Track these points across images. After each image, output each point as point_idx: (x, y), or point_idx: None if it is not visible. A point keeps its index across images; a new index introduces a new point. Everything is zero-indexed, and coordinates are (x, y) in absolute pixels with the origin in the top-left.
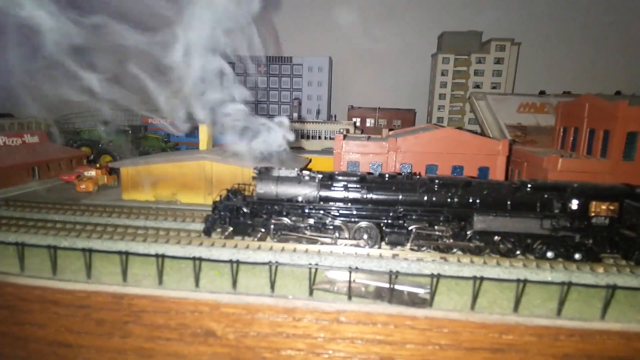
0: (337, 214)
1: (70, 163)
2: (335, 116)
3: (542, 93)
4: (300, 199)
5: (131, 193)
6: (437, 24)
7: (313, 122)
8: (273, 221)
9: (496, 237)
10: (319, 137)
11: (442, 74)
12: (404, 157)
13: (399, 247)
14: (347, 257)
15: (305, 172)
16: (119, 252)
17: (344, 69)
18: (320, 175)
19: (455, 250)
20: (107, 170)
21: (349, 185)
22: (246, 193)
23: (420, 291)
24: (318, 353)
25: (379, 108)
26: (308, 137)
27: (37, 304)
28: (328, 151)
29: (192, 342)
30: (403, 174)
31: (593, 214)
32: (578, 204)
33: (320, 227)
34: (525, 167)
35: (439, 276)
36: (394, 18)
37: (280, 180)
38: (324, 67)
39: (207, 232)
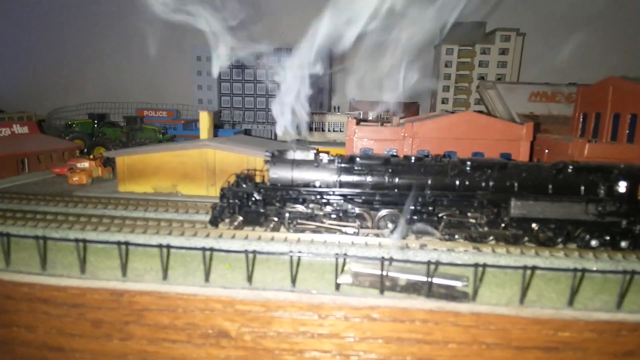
0: (360, 200)
1: (62, 155)
2: (338, 108)
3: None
4: (318, 184)
5: (128, 185)
6: (439, 14)
7: (316, 114)
8: (288, 209)
9: (534, 224)
10: (322, 130)
11: (446, 65)
12: (420, 143)
13: (428, 237)
14: (371, 248)
15: (324, 155)
16: (118, 243)
17: (345, 61)
18: (340, 159)
19: (489, 239)
20: (102, 161)
21: (372, 169)
22: (257, 180)
23: (458, 284)
24: (347, 355)
25: (381, 101)
26: (311, 129)
27: (25, 303)
28: (333, 143)
29: (202, 345)
30: (430, 156)
31: None
32: (626, 186)
33: (341, 216)
34: (546, 154)
35: (484, 266)
36: (395, 8)
37: (296, 164)
38: (324, 58)
39: (214, 222)
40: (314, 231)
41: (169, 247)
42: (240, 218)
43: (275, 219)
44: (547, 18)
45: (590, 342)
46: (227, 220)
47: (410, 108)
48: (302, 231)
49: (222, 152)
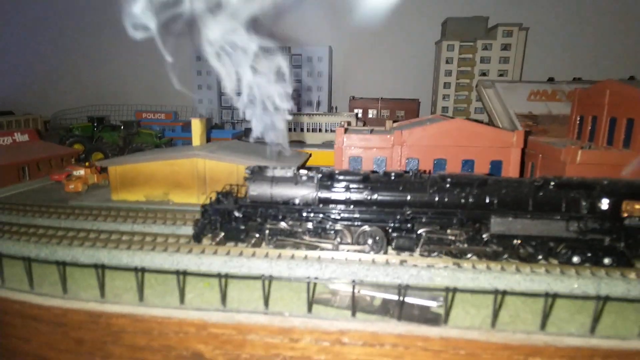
0: (339, 217)
1: (61, 161)
2: (336, 108)
3: (550, 80)
4: (297, 201)
5: (121, 193)
6: (440, 10)
7: (313, 115)
8: (268, 226)
9: (515, 241)
10: (320, 130)
11: (447, 62)
12: (410, 151)
13: (407, 253)
14: (351, 264)
15: (303, 172)
16: (95, 266)
17: (345, 58)
18: (319, 175)
19: (469, 255)
20: (98, 168)
21: (351, 185)
22: (240, 195)
23: (432, 304)
24: None
25: (381, 98)
26: (308, 130)
27: (18, 319)
28: (329, 144)
29: None
30: (411, 172)
31: (626, 214)
32: (609, 204)
33: (320, 232)
34: (539, 159)
35: (454, 290)
36: (395, 4)
37: (275, 180)
38: (324, 57)
39: (197, 237)
40: (294, 247)
41: (143, 270)
42: (222, 234)
43: (257, 235)
44: (551, 12)
45: None
46: (209, 235)
47: (411, 105)
48: (283, 247)
49: (212, 161)
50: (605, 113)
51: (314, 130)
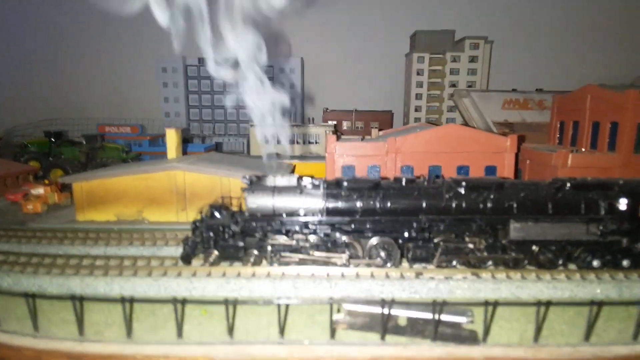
0: (348, 229)
1: (17, 180)
2: (313, 119)
3: (514, 91)
4: (302, 212)
5: (87, 213)
6: (408, 23)
7: (290, 126)
8: (270, 241)
9: (534, 247)
10: (297, 142)
11: (418, 74)
12: (404, 158)
13: (422, 265)
14: (363, 280)
15: (307, 180)
16: (72, 298)
17: (317, 70)
18: (325, 184)
19: (488, 264)
20: (59, 186)
21: (361, 193)
22: (233, 208)
23: (462, 320)
24: None
25: (355, 110)
26: (292, 142)
27: None
28: (309, 156)
29: None
30: (422, 177)
31: None
32: (627, 204)
33: (329, 246)
34: (527, 164)
35: (495, 304)
36: (364, 18)
37: (277, 190)
38: (296, 68)
39: (187, 258)
40: (299, 264)
41: (132, 301)
42: (216, 253)
43: (256, 252)
44: (514, 25)
45: None
46: (201, 255)
47: (384, 117)
48: (287, 264)
49: (192, 173)
50: (587, 118)
51: (291, 142)
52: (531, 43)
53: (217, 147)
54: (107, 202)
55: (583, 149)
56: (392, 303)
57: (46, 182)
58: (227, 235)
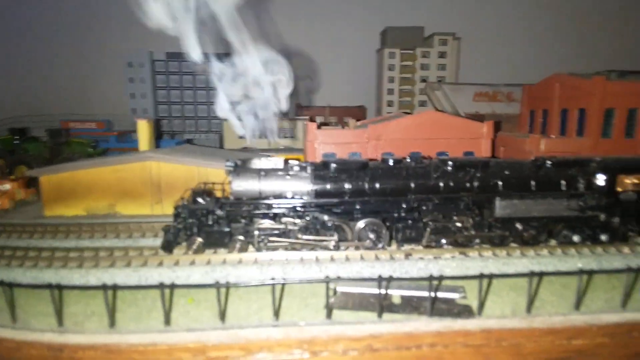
0: (337, 210)
1: None
2: (287, 113)
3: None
4: (289, 195)
5: (55, 207)
6: (377, 20)
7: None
8: (257, 226)
9: (518, 224)
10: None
11: (389, 69)
12: (385, 145)
13: (410, 246)
14: (353, 262)
15: (293, 162)
16: (49, 286)
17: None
18: (312, 166)
19: (475, 242)
20: (25, 182)
21: (350, 174)
22: (216, 194)
23: (455, 296)
24: None
25: (329, 105)
26: (260, 136)
27: None
28: (287, 149)
29: None
30: (409, 158)
31: (620, 189)
32: (605, 180)
33: (318, 229)
34: (502, 151)
35: (490, 277)
36: (335, 13)
37: (263, 173)
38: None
39: (168, 247)
40: (287, 248)
41: (115, 288)
42: (199, 240)
43: (242, 238)
44: (480, 22)
45: (602, 348)
46: (183, 243)
47: (357, 112)
48: (275, 249)
49: (167, 164)
50: (556, 105)
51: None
52: (497, 39)
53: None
54: (76, 196)
55: (553, 136)
56: (389, 280)
57: (12, 177)
58: (212, 221)
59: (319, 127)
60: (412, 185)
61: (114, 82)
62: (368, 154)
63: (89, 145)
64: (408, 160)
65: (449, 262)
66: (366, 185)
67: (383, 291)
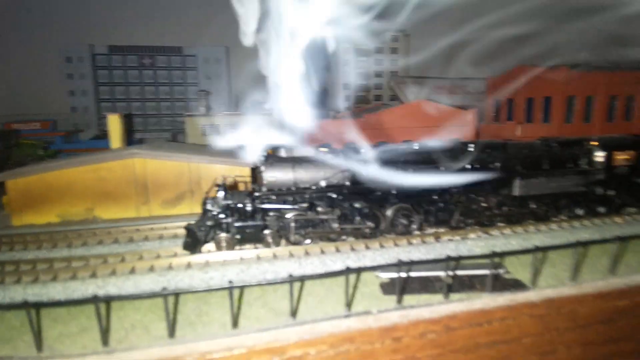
0: (374, 197)
1: None
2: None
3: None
4: (323, 183)
5: (25, 216)
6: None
7: (231, 115)
8: (292, 217)
9: (532, 202)
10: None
11: (346, 64)
12: (379, 134)
13: (440, 228)
14: (389, 249)
15: (324, 149)
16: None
17: (243, 60)
18: (342, 152)
19: (497, 221)
20: None
21: (386, 160)
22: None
23: (501, 271)
24: None
25: None
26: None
27: None
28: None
29: None
30: (436, 142)
31: (616, 165)
32: (604, 156)
33: (355, 218)
34: (480, 138)
35: (544, 249)
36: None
37: (297, 162)
38: (221, 58)
39: (193, 246)
40: (322, 239)
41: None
42: (223, 235)
43: (276, 230)
44: (426, 19)
45: (639, 307)
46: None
47: None
48: (310, 240)
49: (154, 160)
50: (521, 95)
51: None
52: (441, 35)
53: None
54: (48, 201)
55: (518, 123)
56: (458, 260)
57: None
58: (246, 215)
59: None
60: (442, 168)
61: (51, 79)
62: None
63: (40, 147)
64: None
65: (476, 242)
66: (400, 171)
67: (450, 272)
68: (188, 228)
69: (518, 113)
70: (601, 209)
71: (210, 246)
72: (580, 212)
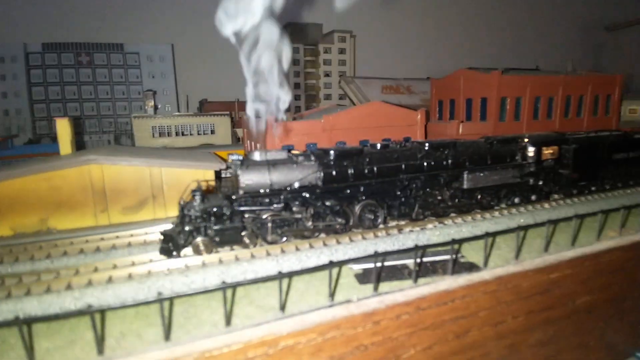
0: (344, 195)
1: None
2: (203, 108)
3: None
4: (296, 185)
5: None
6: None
7: (182, 116)
8: (269, 217)
9: (478, 193)
10: (190, 133)
11: (294, 64)
12: (338, 134)
13: (402, 220)
14: (358, 242)
15: (296, 152)
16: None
17: (190, 59)
18: (313, 154)
19: (450, 212)
20: None
21: (351, 160)
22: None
23: (458, 256)
24: (398, 356)
25: (238, 100)
26: (177, 134)
27: None
28: (217, 146)
29: None
30: (393, 142)
31: (544, 159)
32: (534, 152)
33: (327, 215)
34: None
35: (493, 234)
36: None
37: (272, 164)
38: (167, 56)
39: (173, 250)
40: (297, 237)
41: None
42: (201, 239)
43: (253, 231)
44: (372, 21)
45: (568, 278)
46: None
47: None
48: (286, 239)
49: (113, 166)
50: (461, 96)
51: (183, 134)
52: (386, 38)
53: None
54: None
55: (461, 122)
56: (425, 248)
57: None
58: (225, 218)
59: (276, 120)
60: (403, 166)
61: None
62: (323, 144)
63: None
64: (394, 143)
65: (433, 231)
66: (366, 170)
67: (418, 259)
68: (165, 233)
69: (459, 112)
70: (533, 197)
71: (187, 250)
72: (517, 200)
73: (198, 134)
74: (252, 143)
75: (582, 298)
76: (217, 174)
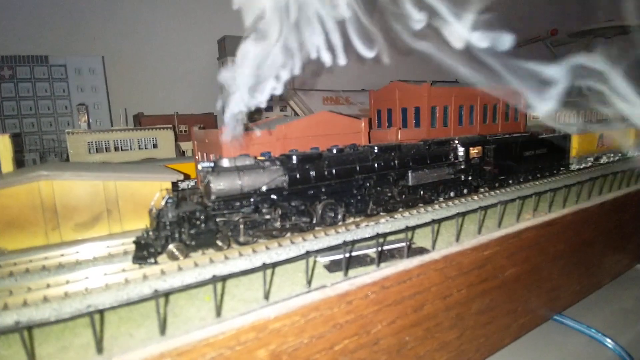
0: (307, 195)
1: None
2: (140, 122)
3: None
4: (264, 188)
5: None
6: (212, 29)
7: (121, 130)
8: (242, 220)
9: (421, 189)
10: (131, 148)
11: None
12: (289, 143)
13: (358, 217)
14: (322, 239)
15: (262, 158)
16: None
17: (123, 72)
18: (278, 159)
19: (399, 206)
20: None
21: (312, 163)
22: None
23: (406, 243)
24: (369, 331)
25: (177, 113)
26: (117, 149)
27: None
28: (155, 160)
29: None
30: (348, 147)
31: (471, 157)
32: (464, 151)
33: (293, 214)
34: (370, 142)
35: (438, 221)
36: (173, 16)
37: (241, 170)
38: (97, 68)
39: (149, 256)
40: (267, 237)
41: (165, 294)
42: (171, 246)
43: (227, 234)
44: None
45: (497, 254)
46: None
47: (208, 119)
48: (257, 239)
49: (64, 182)
50: (397, 105)
51: (123, 149)
52: None
53: (20, 165)
54: None
55: (398, 129)
56: (385, 236)
57: None
58: (199, 222)
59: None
60: (358, 167)
61: None
62: (276, 152)
63: None
64: (348, 148)
65: (387, 224)
66: (326, 172)
67: (379, 248)
68: (138, 241)
69: (396, 120)
70: (465, 190)
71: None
72: (452, 194)
73: (139, 148)
74: (205, 154)
75: (510, 270)
76: (174, 185)
